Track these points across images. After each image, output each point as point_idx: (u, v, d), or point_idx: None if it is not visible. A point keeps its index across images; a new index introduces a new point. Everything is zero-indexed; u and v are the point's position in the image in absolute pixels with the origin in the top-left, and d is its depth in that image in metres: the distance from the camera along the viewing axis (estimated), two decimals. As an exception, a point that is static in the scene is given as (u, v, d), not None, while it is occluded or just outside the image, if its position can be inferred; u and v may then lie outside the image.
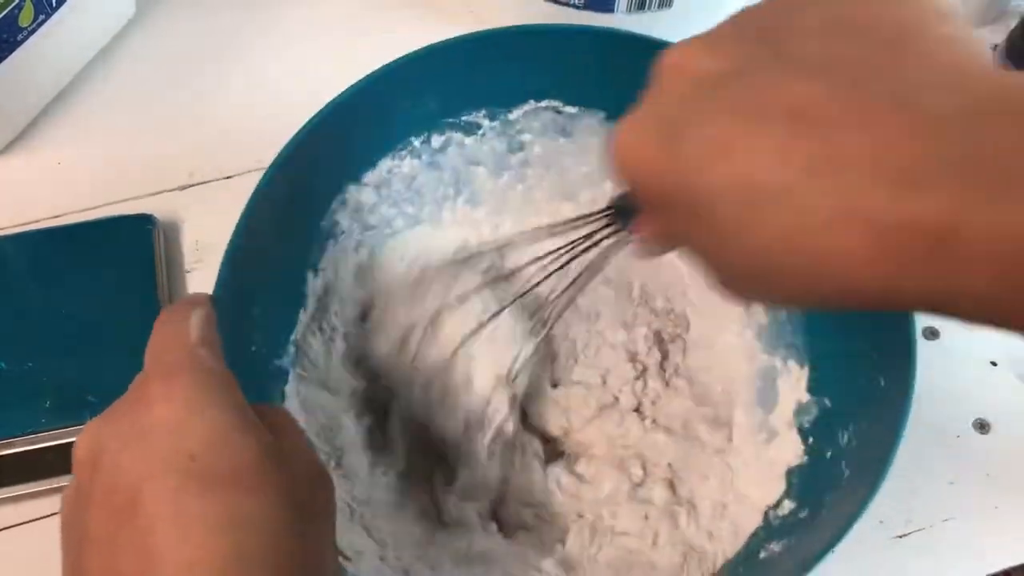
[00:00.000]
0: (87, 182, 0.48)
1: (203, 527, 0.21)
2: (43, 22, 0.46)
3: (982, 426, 0.43)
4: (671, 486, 0.40)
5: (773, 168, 0.19)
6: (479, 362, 0.39)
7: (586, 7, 0.48)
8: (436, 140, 0.42)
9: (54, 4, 0.46)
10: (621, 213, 0.30)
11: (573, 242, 0.34)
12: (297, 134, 0.35)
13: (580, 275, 0.36)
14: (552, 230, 0.35)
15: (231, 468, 0.23)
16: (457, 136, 0.42)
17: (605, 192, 0.44)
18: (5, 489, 0.39)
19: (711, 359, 0.43)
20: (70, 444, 0.38)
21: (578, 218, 0.33)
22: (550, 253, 0.36)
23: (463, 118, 0.42)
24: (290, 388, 0.38)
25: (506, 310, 0.40)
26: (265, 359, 0.37)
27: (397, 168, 0.42)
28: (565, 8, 0.49)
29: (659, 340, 0.44)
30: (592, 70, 0.40)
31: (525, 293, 0.40)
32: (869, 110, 0.19)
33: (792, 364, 0.40)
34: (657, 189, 0.23)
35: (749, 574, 0.35)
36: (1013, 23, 0.51)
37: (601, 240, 0.32)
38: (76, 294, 0.43)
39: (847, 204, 0.18)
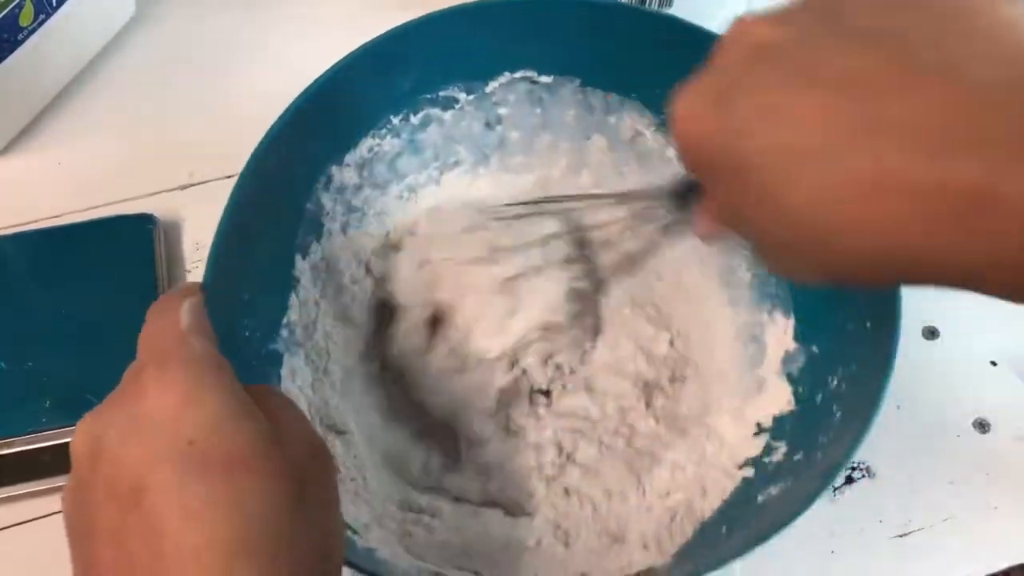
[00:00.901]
0: (87, 182, 0.48)
1: (207, 512, 0.22)
2: (43, 22, 0.46)
3: (982, 426, 0.43)
4: (658, 436, 0.41)
5: (814, 131, 0.20)
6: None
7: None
8: (414, 117, 0.43)
9: (54, 4, 0.46)
10: (682, 197, 0.31)
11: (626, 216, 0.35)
12: (278, 120, 0.36)
13: (635, 253, 0.36)
14: (614, 199, 0.36)
15: (230, 452, 0.23)
16: (435, 112, 0.43)
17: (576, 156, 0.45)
18: (5, 489, 0.39)
19: (696, 317, 0.44)
20: (69, 444, 0.39)
21: (636, 193, 0.34)
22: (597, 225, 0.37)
23: (440, 93, 0.43)
24: (285, 371, 0.38)
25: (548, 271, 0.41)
26: (259, 343, 0.37)
27: (377, 147, 0.42)
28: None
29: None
30: (565, 37, 0.41)
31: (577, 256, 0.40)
32: (915, 78, 0.19)
33: (778, 315, 0.41)
34: (707, 153, 0.24)
35: (746, 517, 0.35)
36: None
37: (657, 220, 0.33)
38: (76, 294, 0.43)
39: (883, 166, 0.19)
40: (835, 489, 0.41)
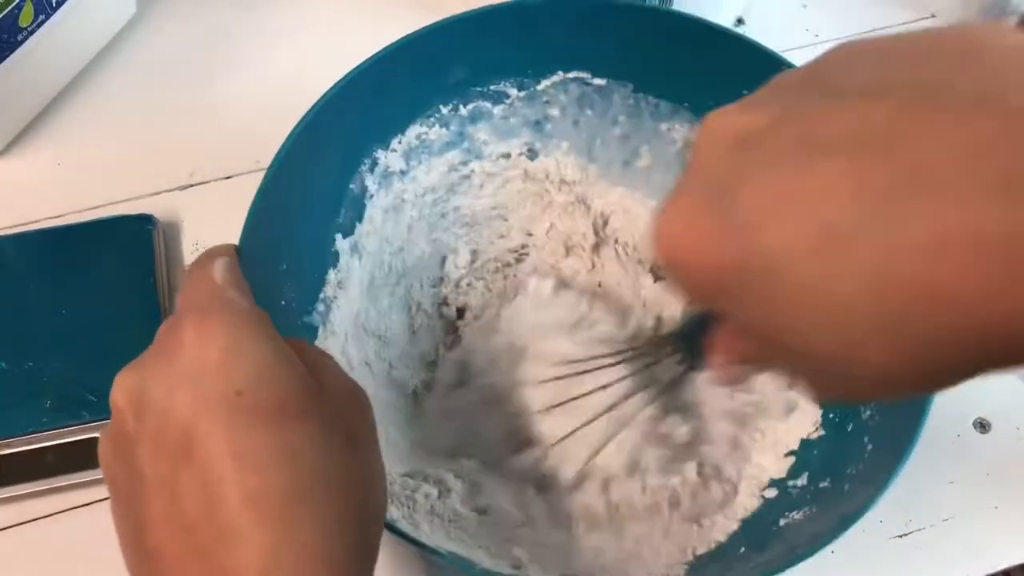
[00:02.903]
0: (87, 182, 0.48)
1: (258, 459, 0.22)
2: (43, 22, 0.46)
3: (982, 426, 0.43)
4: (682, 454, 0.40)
5: (845, 206, 0.16)
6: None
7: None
8: (464, 109, 0.43)
9: (54, 4, 0.46)
10: (689, 338, 0.29)
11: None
12: (324, 95, 0.36)
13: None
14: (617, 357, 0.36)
15: (277, 400, 0.23)
16: (485, 105, 0.43)
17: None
18: (5, 489, 0.39)
19: None
20: (70, 444, 0.39)
21: (640, 348, 0.33)
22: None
23: (491, 87, 0.43)
24: (317, 344, 0.38)
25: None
26: (295, 314, 0.37)
27: (425, 135, 0.42)
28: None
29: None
30: (622, 41, 0.40)
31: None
32: (949, 116, 0.16)
33: None
34: (713, 271, 0.20)
35: (765, 540, 0.35)
36: (1013, 23, 0.51)
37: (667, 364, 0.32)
38: (76, 294, 0.43)
39: (941, 223, 0.15)
40: (835, 489, 0.41)
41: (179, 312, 0.25)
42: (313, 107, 0.36)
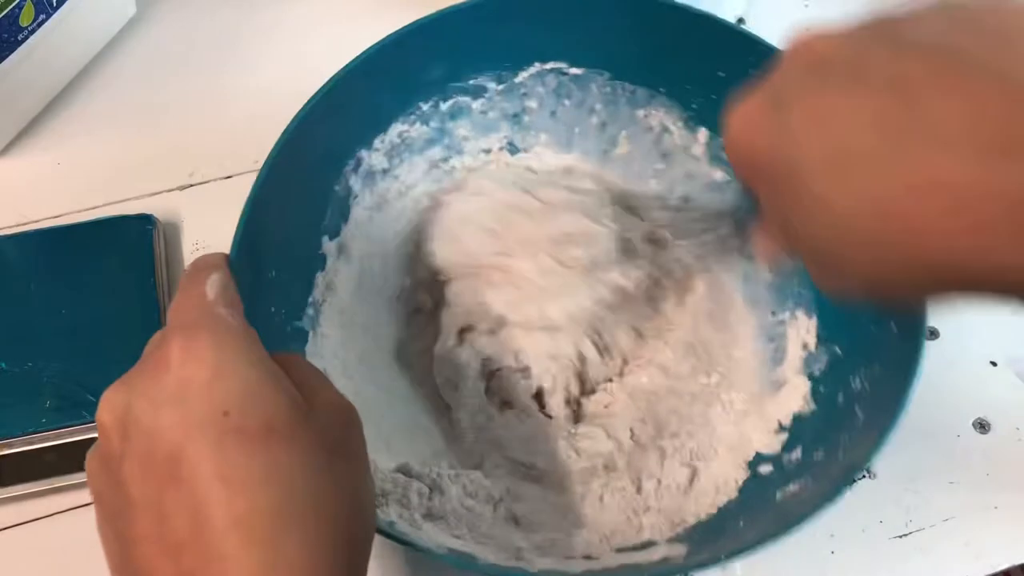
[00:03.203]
0: (87, 182, 0.48)
1: (245, 481, 0.22)
2: (43, 22, 0.46)
3: (982, 426, 0.43)
4: (669, 433, 0.41)
5: (864, 134, 0.20)
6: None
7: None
8: (444, 105, 0.43)
9: (55, 4, 0.46)
10: (741, 219, 0.32)
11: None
12: (309, 100, 0.36)
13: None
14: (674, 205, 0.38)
15: (265, 421, 0.23)
16: (465, 100, 0.43)
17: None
18: (5, 489, 0.39)
19: (718, 314, 0.44)
20: (70, 444, 0.39)
21: (698, 207, 0.35)
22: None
23: (470, 82, 0.43)
24: (308, 348, 0.38)
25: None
26: (284, 321, 0.37)
27: (406, 133, 0.43)
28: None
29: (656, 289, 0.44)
30: (597, 29, 0.41)
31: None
32: (968, 81, 0.19)
33: (800, 314, 0.41)
34: (759, 160, 0.24)
35: (764, 512, 0.35)
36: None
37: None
38: (76, 294, 0.43)
39: (933, 170, 0.19)
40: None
41: (167, 328, 0.25)
42: (297, 115, 0.36)
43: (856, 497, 0.41)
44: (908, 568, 0.40)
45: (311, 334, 0.39)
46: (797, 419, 0.38)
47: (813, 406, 0.38)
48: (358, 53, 0.38)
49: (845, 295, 0.24)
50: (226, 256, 0.29)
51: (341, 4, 0.55)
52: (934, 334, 0.45)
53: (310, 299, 0.39)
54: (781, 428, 0.39)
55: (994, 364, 0.44)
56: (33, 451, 0.39)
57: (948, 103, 0.19)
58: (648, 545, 0.36)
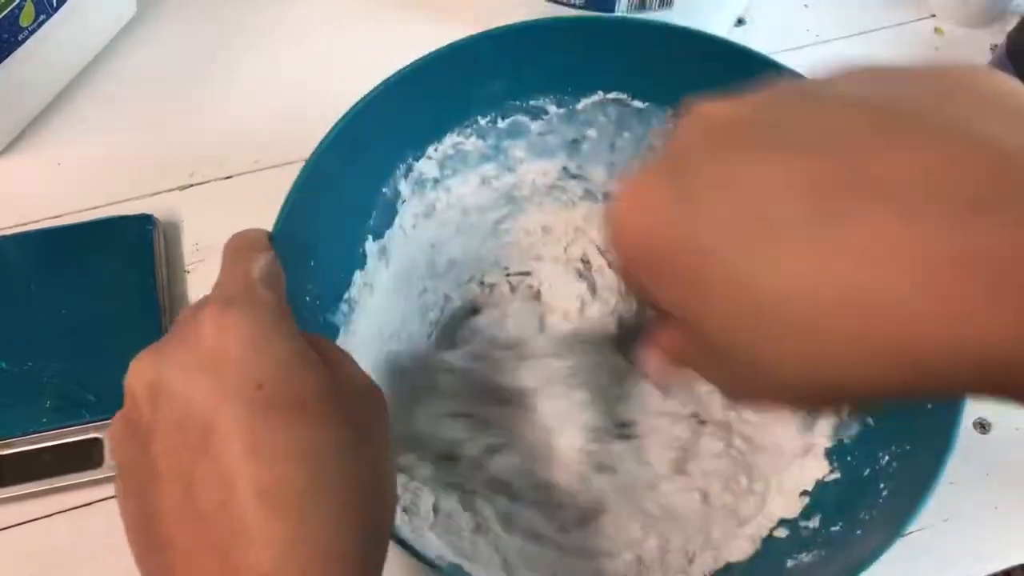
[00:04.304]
0: (87, 182, 0.48)
1: (275, 454, 0.22)
2: (44, 22, 0.46)
3: (982, 426, 0.43)
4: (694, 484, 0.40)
5: (791, 199, 0.16)
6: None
7: (586, 6, 0.48)
8: (502, 122, 0.43)
9: (55, 4, 0.46)
10: (625, 342, 0.29)
11: None
12: (366, 96, 0.36)
13: None
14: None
15: (297, 397, 0.23)
16: (523, 120, 0.43)
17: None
18: (5, 489, 0.39)
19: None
20: (70, 444, 0.39)
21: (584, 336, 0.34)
22: None
23: (530, 102, 0.42)
24: (338, 342, 0.38)
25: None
26: (319, 311, 0.37)
27: (461, 145, 0.42)
28: (566, 8, 0.49)
29: None
30: (664, 67, 0.40)
31: None
32: (917, 134, 0.16)
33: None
34: (653, 244, 0.20)
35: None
36: (1013, 23, 0.51)
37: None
38: (76, 294, 0.43)
39: (882, 234, 0.15)
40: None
41: (205, 300, 0.25)
42: (354, 107, 0.36)
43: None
44: (908, 568, 0.40)
45: (342, 329, 0.39)
46: (820, 486, 0.38)
47: (838, 475, 0.38)
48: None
49: (760, 404, 0.22)
50: (269, 235, 0.29)
51: (341, 5, 0.55)
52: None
53: (346, 295, 0.39)
54: (802, 492, 0.38)
55: (994, 364, 0.44)
56: (33, 451, 0.39)
57: (895, 159, 0.16)
58: None
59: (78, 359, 0.41)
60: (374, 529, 0.24)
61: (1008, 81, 0.17)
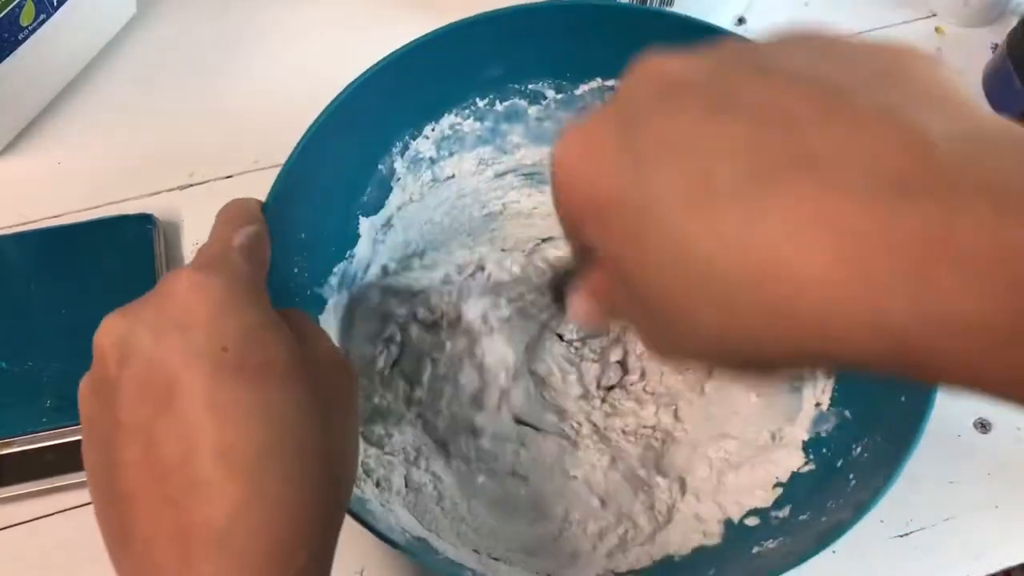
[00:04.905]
0: (87, 182, 0.48)
1: (237, 414, 0.22)
2: (44, 22, 0.46)
3: (982, 426, 0.43)
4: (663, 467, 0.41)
5: (733, 164, 0.17)
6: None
7: (586, 7, 0.48)
8: (500, 105, 0.43)
9: (55, 3, 0.46)
10: (557, 288, 0.30)
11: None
12: (365, 72, 0.36)
13: None
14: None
15: (262, 361, 0.23)
16: (521, 104, 0.43)
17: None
18: (5, 489, 0.39)
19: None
20: (70, 444, 0.39)
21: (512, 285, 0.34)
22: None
23: (529, 86, 0.42)
24: (323, 317, 0.39)
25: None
26: (306, 284, 0.38)
27: (459, 126, 0.43)
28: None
29: None
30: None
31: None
32: (854, 115, 0.16)
33: (819, 374, 0.40)
34: (595, 192, 0.20)
35: (737, 564, 0.35)
36: (1013, 23, 0.51)
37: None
38: (76, 294, 0.43)
39: (817, 208, 0.16)
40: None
41: (183, 266, 0.26)
42: (352, 83, 0.36)
43: (856, 497, 0.41)
44: (908, 568, 0.40)
45: (330, 302, 0.39)
46: (795, 477, 0.38)
47: (813, 467, 0.38)
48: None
49: (682, 361, 0.22)
50: (261, 204, 0.30)
51: (341, 5, 0.55)
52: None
53: (335, 269, 0.39)
54: (776, 484, 0.38)
55: (994, 364, 0.44)
56: (33, 451, 0.39)
57: (832, 136, 0.16)
58: None
59: (78, 359, 0.40)
60: (331, 497, 0.25)
61: (944, 70, 0.18)
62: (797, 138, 0.16)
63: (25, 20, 0.45)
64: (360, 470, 0.36)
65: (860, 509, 0.31)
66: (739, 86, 0.18)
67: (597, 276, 0.24)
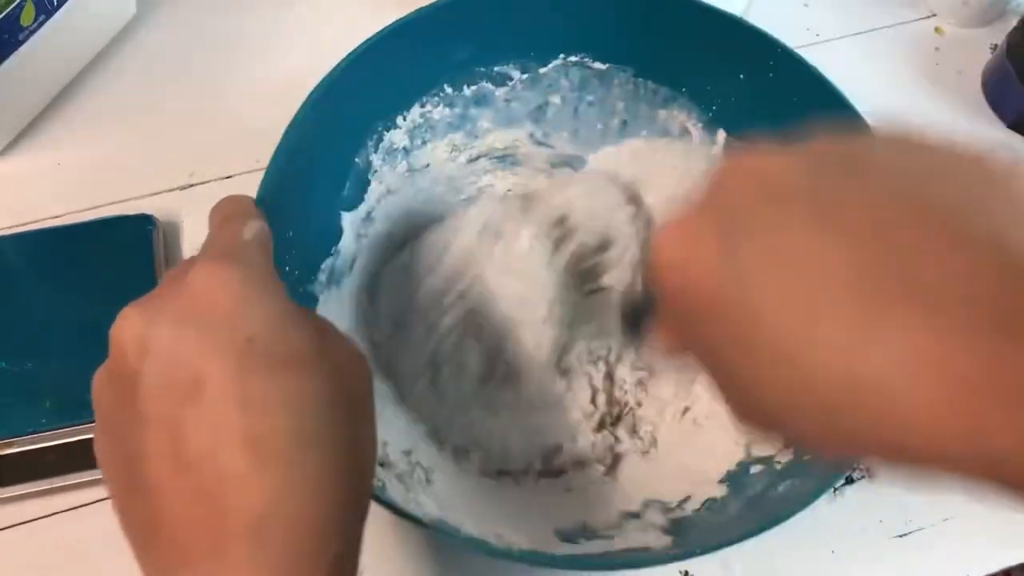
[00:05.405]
0: (87, 182, 0.48)
1: (265, 404, 0.22)
2: (44, 22, 0.46)
3: (982, 426, 0.43)
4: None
5: (841, 289, 0.17)
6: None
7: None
8: (468, 90, 0.43)
9: (55, 4, 0.46)
10: (632, 323, 0.30)
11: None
12: (333, 70, 0.37)
13: None
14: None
15: (288, 353, 0.24)
16: (488, 87, 0.43)
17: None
18: (5, 489, 0.39)
19: None
20: (70, 444, 0.39)
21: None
22: None
23: (495, 69, 0.43)
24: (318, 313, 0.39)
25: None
26: (296, 282, 0.38)
27: (428, 114, 0.43)
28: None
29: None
30: (623, 26, 0.41)
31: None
32: (958, 243, 0.17)
33: None
34: (699, 297, 0.21)
35: (751, 511, 0.35)
36: (1013, 23, 0.51)
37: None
38: (76, 294, 0.43)
39: (923, 343, 0.16)
40: (835, 489, 0.41)
41: (196, 257, 0.26)
42: (324, 79, 0.36)
43: (856, 497, 0.41)
44: (908, 568, 0.40)
45: (321, 299, 0.39)
46: None
47: None
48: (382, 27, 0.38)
49: (767, 436, 0.23)
50: (254, 201, 0.30)
51: (341, 6, 0.55)
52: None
53: (323, 265, 0.40)
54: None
55: (994, 364, 0.44)
56: (33, 451, 0.39)
57: (938, 265, 0.16)
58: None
59: (78, 359, 0.41)
60: (360, 485, 0.25)
61: None
62: (903, 267, 0.17)
63: (25, 21, 0.45)
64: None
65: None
66: (841, 196, 0.19)
67: (671, 330, 0.25)
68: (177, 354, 0.23)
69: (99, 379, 0.25)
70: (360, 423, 0.26)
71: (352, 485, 0.24)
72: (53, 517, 0.39)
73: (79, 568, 0.39)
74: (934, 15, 0.56)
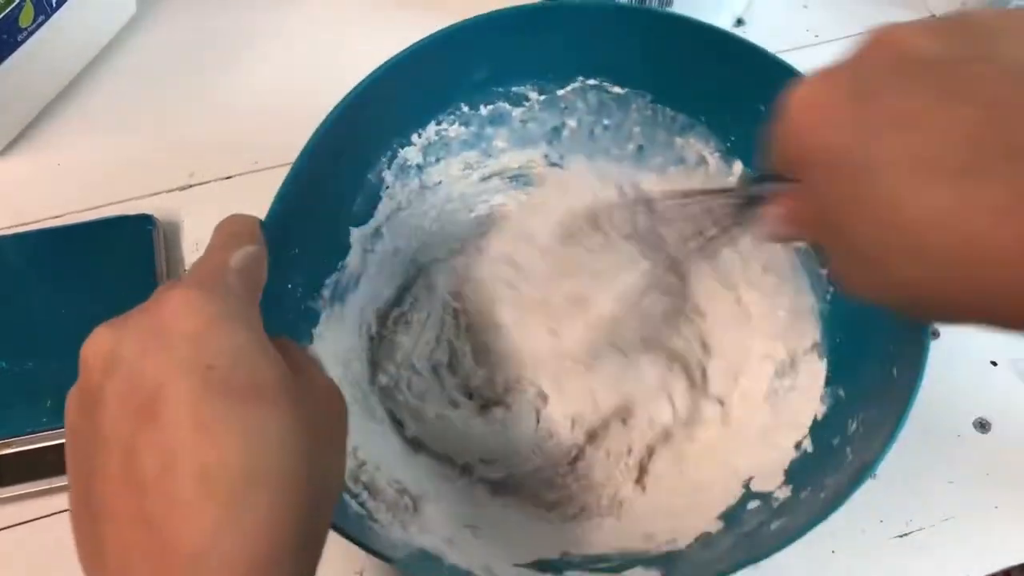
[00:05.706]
0: (87, 182, 0.48)
1: (221, 433, 0.22)
2: (43, 22, 0.46)
3: (982, 426, 0.43)
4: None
5: (955, 148, 0.20)
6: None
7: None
8: (484, 109, 0.43)
9: (54, 4, 0.46)
10: (752, 197, 0.30)
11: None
12: (355, 88, 0.37)
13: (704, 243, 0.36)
14: (685, 198, 0.36)
15: (250, 383, 0.23)
16: (505, 107, 0.43)
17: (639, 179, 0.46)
18: (5, 489, 0.39)
19: (729, 358, 0.43)
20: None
21: (711, 191, 0.34)
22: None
23: (513, 89, 0.43)
24: (318, 330, 0.39)
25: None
26: (300, 299, 0.38)
27: (444, 132, 0.43)
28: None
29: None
30: (643, 51, 0.41)
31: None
32: None
33: (812, 356, 0.40)
34: (823, 145, 0.23)
35: (740, 546, 0.35)
36: None
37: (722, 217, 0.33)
38: (76, 294, 0.43)
39: (1020, 196, 0.19)
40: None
41: (176, 281, 0.26)
42: (342, 100, 0.36)
43: (856, 497, 0.41)
44: (908, 568, 0.40)
45: (323, 315, 0.39)
46: (793, 461, 0.38)
47: (811, 449, 0.38)
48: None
49: (868, 300, 0.24)
50: (259, 223, 0.29)
51: (341, 6, 0.55)
52: (934, 334, 0.45)
53: (327, 281, 0.39)
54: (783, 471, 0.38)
55: (994, 364, 0.44)
56: (33, 451, 0.39)
57: None
58: (622, 568, 0.36)
59: (78, 359, 0.41)
60: (311, 526, 0.24)
61: None
62: (1014, 137, 0.19)
63: (24, 21, 0.45)
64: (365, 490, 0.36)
65: (857, 478, 0.32)
66: (972, 74, 0.21)
67: (793, 202, 0.27)
68: (138, 373, 0.23)
69: (70, 396, 0.25)
70: (322, 462, 0.25)
71: (303, 523, 0.23)
72: (53, 517, 0.39)
73: (79, 568, 0.38)
74: (934, 15, 0.56)
